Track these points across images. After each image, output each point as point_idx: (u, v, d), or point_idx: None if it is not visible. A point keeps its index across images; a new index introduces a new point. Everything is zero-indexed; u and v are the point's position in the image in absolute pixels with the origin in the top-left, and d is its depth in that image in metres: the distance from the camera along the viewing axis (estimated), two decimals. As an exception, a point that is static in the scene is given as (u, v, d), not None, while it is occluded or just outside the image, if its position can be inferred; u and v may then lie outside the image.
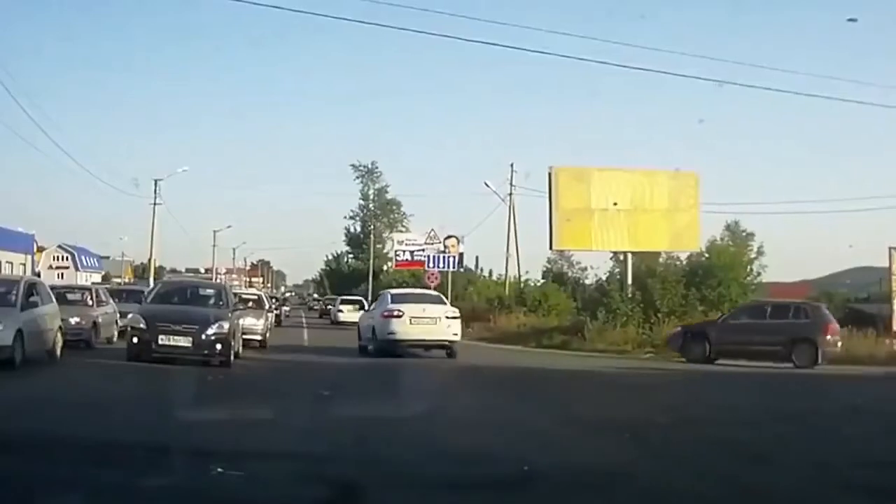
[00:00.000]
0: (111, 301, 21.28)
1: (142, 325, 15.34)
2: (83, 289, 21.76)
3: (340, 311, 41.88)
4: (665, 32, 75.97)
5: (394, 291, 24.15)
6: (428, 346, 20.52)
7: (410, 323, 19.96)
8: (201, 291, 17.86)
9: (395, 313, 20.15)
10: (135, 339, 15.38)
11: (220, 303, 16.72)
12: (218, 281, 33.15)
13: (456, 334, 20.61)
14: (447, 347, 20.48)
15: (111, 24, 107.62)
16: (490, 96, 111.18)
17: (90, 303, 19.77)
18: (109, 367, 15.27)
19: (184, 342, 15.06)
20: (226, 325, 15.43)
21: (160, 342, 15.04)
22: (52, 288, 20.43)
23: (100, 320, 19.36)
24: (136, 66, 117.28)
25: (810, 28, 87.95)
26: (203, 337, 15.11)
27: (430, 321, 20.18)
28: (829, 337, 21.61)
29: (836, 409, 12.76)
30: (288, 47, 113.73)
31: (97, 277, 73.27)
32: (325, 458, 6.82)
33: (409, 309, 20.29)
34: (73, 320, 18.14)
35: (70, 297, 20.19)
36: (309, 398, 11.37)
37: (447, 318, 20.54)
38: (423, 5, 40.00)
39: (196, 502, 5.12)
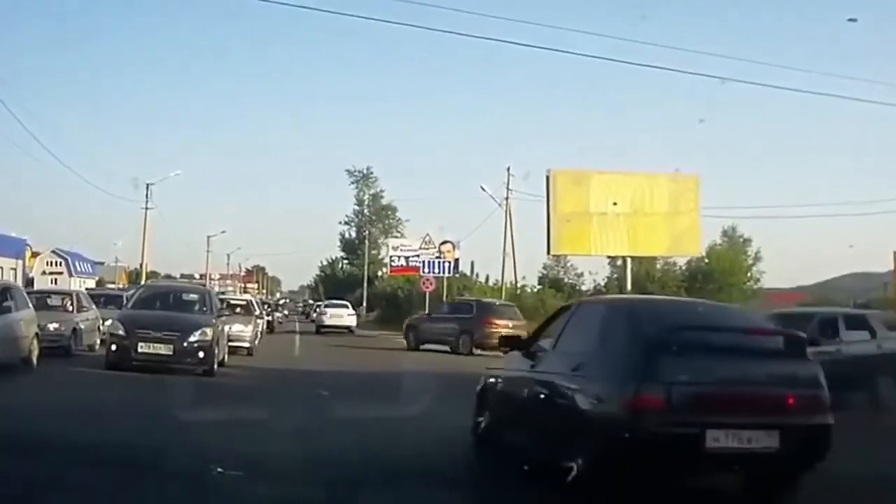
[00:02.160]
0: (94, 307, 20.51)
1: (121, 332, 14.71)
2: (64, 294, 20.80)
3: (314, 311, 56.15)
4: (666, 33, 75.33)
5: (326, 301, 46.90)
6: (339, 327, 37.86)
7: (330, 317, 39.29)
8: (184, 296, 17.16)
9: (323, 312, 40.53)
10: (113, 347, 14.78)
11: (204, 308, 16.10)
12: (205, 286, 32.78)
13: (353, 322, 39.93)
14: (348, 328, 38.62)
15: (106, 26, 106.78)
16: (487, 98, 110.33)
17: (71, 308, 18.97)
18: (85, 376, 14.58)
19: (164, 350, 14.45)
20: (209, 332, 14.81)
21: (139, 350, 14.42)
22: (32, 293, 19.87)
23: (81, 326, 18.51)
24: (134, 71, 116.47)
25: (810, 28, 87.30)
26: (184, 344, 14.49)
27: (339, 316, 39.42)
28: (486, 329, 25.09)
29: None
30: (282, 51, 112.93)
31: (91, 283, 72.68)
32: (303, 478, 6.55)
33: (330, 311, 40.21)
34: (52, 326, 17.39)
35: (50, 302, 19.50)
36: (294, 410, 10.83)
37: (348, 315, 39.92)
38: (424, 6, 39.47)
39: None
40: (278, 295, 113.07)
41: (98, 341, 19.54)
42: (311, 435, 8.75)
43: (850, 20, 59.23)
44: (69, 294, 20.41)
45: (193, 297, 17.06)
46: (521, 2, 68.69)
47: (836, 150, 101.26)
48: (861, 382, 12.22)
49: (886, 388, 12.45)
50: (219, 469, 6.10)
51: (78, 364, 16.18)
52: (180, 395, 11.11)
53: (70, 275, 78.59)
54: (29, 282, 52.08)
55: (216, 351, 15.13)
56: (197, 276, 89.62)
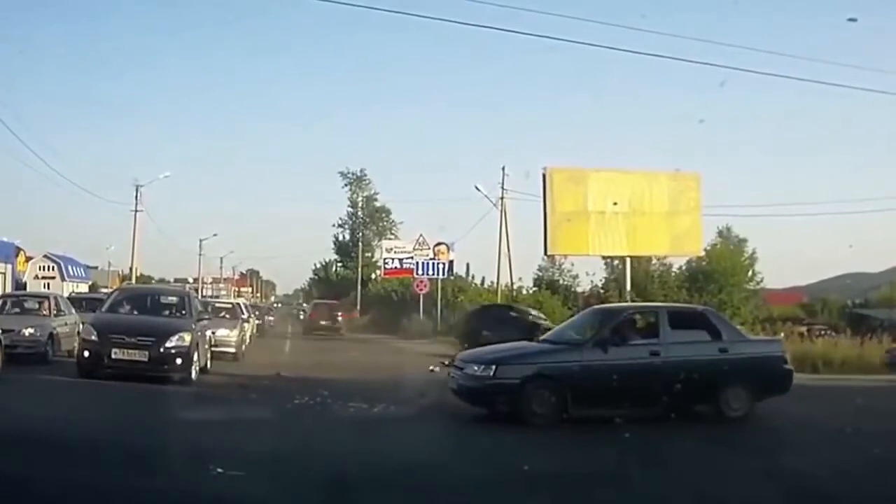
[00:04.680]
0: (73, 311, 19.71)
1: (93, 338, 13.93)
2: (41, 297, 19.98)
3: (304, 312, 58.92)
4: (666, 32, 74.48)
5: (313, 302, 50.53)
6: (327, 329, 40.17)
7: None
8: (162, 299, 16.33)
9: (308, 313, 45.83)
10: (86, 353, 14.02)
11: (183, 312, 15.34)
12: (185, 288, 31.87)
13: (340, 323, 42.01)
14: (336, 329, 40.73)
15: (96, 27, 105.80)
16: (483, 98, 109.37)
17: (47, 312, 18.18)
18: (51, 385, 13.74)
19: (139, 356, 13.69)
20: (187, 337, 14.06)
21: (113, 356, 13.67)
22: (8, 296, 19.17)
23: (58, 331, 17.74)
24: (126, 73, 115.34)
25: (811, 29, 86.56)
26: (161, 350, 13.74)
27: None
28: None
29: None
30: (274, 53, 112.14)
31: (84, 287, 72.11)
32: None
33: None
34: (28, 331, 16.79)
35: (27, 306, 18.83)
36: (275, 424, 10.17)
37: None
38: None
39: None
40: (273, 298, 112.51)
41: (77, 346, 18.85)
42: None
43: (850, 20, 58.42)
44: (46, 297, 19.60)
45: (172, 300, 16.25)
46: (517, 2, 67.93)
47: (833, 150, 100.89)
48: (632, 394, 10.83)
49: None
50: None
51: (50, 371, 15.33)
52: (141, 407, 10.26)
53: (63, 279, 77.84)
54: (21, 286, 51.33)
55: (195, 357, 14.35)
56: (190, 279, 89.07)
